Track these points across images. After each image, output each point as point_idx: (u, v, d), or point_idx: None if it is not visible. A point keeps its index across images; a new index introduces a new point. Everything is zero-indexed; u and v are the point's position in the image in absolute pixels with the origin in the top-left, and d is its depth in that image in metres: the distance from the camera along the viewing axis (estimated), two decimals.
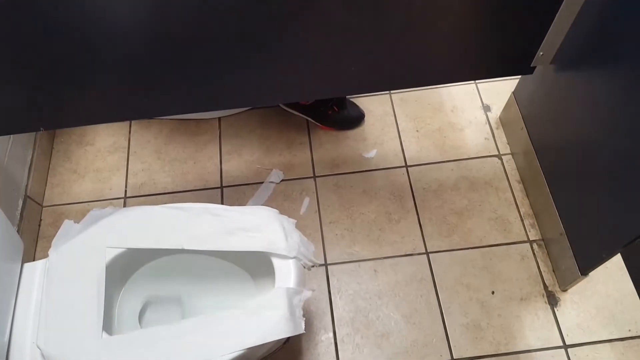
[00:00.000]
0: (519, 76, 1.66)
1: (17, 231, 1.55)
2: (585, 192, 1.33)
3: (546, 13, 1.25)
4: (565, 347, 1.44)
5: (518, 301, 1.51)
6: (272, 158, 1.80)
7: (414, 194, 1.71)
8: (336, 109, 1.79)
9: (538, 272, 1.55)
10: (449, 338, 1.47)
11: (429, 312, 1.51)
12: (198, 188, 1.75)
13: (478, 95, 1.90)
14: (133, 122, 1.90)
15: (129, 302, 1.21)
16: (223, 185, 1.75)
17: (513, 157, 1.75)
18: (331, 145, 1.82)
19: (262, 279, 1.19)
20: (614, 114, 1.17)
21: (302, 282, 1.09)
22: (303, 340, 1.48)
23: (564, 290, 1.52)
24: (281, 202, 1.71)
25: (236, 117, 1.89)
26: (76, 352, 1.00)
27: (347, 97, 1.85)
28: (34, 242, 1.65)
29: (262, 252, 1.08)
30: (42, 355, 1.00)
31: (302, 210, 1.69)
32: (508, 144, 1.78)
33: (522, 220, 1.64)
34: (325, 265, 1.59)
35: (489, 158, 1.77)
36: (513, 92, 1.70)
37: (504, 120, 1.81)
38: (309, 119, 1.84)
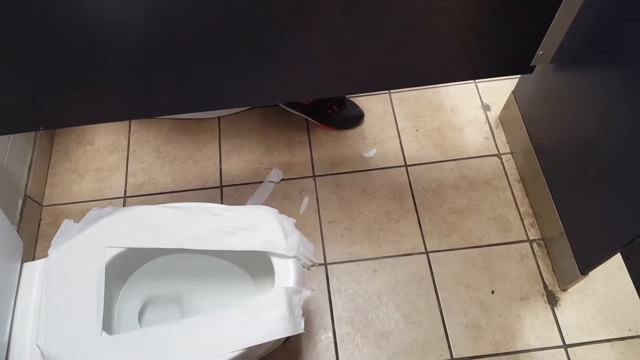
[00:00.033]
0: (519, 75, 1.66)
1: (17, 230, 1.55)
2: (585, 191, 1.33)
3: (546, 12, 1.25)
4: (565, 346, 1.44)
5: (518, 301, 1.51)
6: (271, 157, 1.80)
7: (414, 194, 1.71)
8: (335, 109, 1.79)
9: (538, 271, 1.55)
10: (449, 337, 1.47)
11: (429, 311, 1.51)
12: (197, 187, 1.75)
13: (477, 95, 1.90)
14: (132, 121, 1.90)
15: (128, 301, 1.20)
16: (222, 184, 1.75)
17: (513, 157, 1.75)
18: (331, 145, 1.82)
19: (261, 279, 1.19)
20: (614, 113, 1.17)
21: (301, 281, 1.09)
22: (303, 340, 1.48)
23: (564, 290, 1.52)
24: (281, 201, 1.71)
25: (236, 116, 1.89)
26: (76, 352, 1.00)
27: (346, 96, 1.85)
28: (33, 241, 1.65)
29: (261, 252, 1.08)
30: (42, 354, 1.00)
31: (302, 209, 1.69)
32: (507, 143, 1.78)
33: (521, 220, 1.64)
34: (325, 264, 1.59)
35: (488, 157, 1.77)
36: (512, 92, 1.70)
37: (503, 120, 1.81)
38: (309, 118, 1.84)
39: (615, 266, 1.52)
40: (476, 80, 1.94)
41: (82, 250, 1.11)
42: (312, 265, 1.15)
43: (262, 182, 1.75)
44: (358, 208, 1.68)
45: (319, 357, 1.45)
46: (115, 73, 1.21)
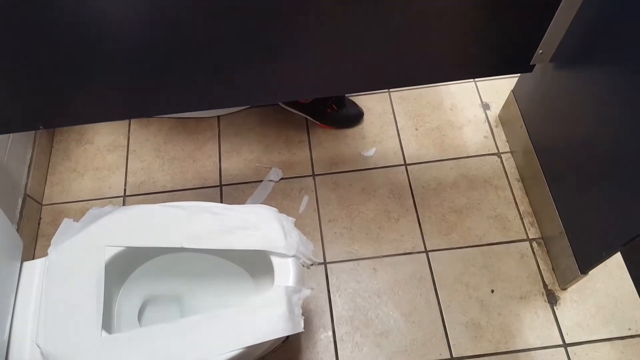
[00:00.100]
0: (518, 74, 1.66)
1: (17, 230, 1.55)
2: (585, 190, 1.33)
3: (545, 11, 1.25)
4: (565, 345, 1.44)
5: (518, 300, 1.51)
6: (271, 156, 1.80)
7: (413, 193, 1.71)
8: (335, 108, 1.79)
9: (538, 270, 1.55)
10: (449, 337, 1.47)
11: (429, 310, 1.51)
12: (197, 186, 1.75)
13: (477, 94, 1.90)
14: (132, 120, 1.90)
15: (128, 300, 1.20)
16: (222, 183, 1.75)
17: (512, 156, 1.75)
18: (330, 144, 1.82)
19: (261, 278, 1.19)
20: (614, 112, 1.17)
21: (301, 280, 1.09)
22: (302, 339, 1.48)
23: (564, 289, 1.52)
24: (280, 200, 1.71)
25: (235, 115, 1.89)
26: (75, 351, 1.00)
27: (346, 95, 1.85)
28: (33, 240, 1.65)
29: (261, 251, 1.08)
30: (42, 353, 1.00)
31: (301, 208, 1.69)
32: (507, 142, 1.78)
33: (521, 219, 1.64)
34: (325, 263, 1.59)
35: (488, 156, 1.77)
36: (512, 90, 1.70)
37: (503, 119, 1.81)
38: (308, 117, 1.84)
39: (615, 265, 1.52)
40: (476, 79, 1.94)
41: (82, 249, 1.10)
42: (312, 264, 1.15)
43: (261, 181, 1.75)
44: (357, 207, 1.68)
45: (318, 356, 1.45)
46: (114, 72, 1.21)
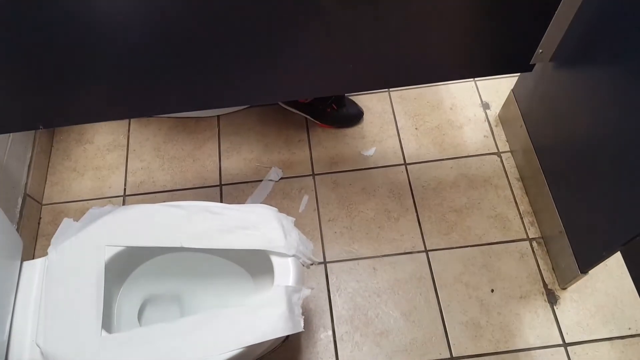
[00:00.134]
0: (518, 74, 1.66)
1: (17, 229, 1.55)
2: (585, 189, 1.33)
3: (545, 10, 1.25)
4: (565, 345, 1.44)
5: (517, 299, 1.51)
6: (271, 156, 1.80)
7: (413, 192, 1.71)
8: (335, 107, 1.79)
9: (537, 270, 1.55)
10: (448, 336, 1.47)
11: (428, 310, 1.51)
12: (197, 186, 1.75)
13: (477, 93, 1.90)
14: (132, 120, 1.90)
15: (128, 300, 1.21)
16: (222, 183, 1.75)
17: (512, 155, 1.75)
18: (330, 143, 1.82)
19: (261, 277, 1.19)
20: (614, 112, 1.17)
21: (301, 280, 1.09)
22: (302, 339, 1.48)
23: (564, 289, 1.52)
24: (280, 200, 1.71)
25: (235, 115, 1.89)
26: (75, 350, 1.00)
27: (346, 94, 1.85)
28: (33, 240, 1.65)
29: (261, 250, 1.08)
30: (42, 353, 1.00)
31: (301, 208, 1.69)
32: (507, 141, 1.78)
33: (521, 218, 1.64)
34: (325, 263, 1.59)
35: (488, 156, 1.77)
36: (512, 90, 1.70)
37: (503, 118, 1.81)
38: (308, 116, 1.84)
39: (615, 265, 1.52)
40: (476, 79, 1.94)
41: (82, 248, 1.10)
42: (312, 264, 1.15)
43: (261, 180, 1.75)
44: (357, 206, 1.68)
45: (318, 355, 1.45)
46: (114, 71, 1.21)
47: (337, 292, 1.54)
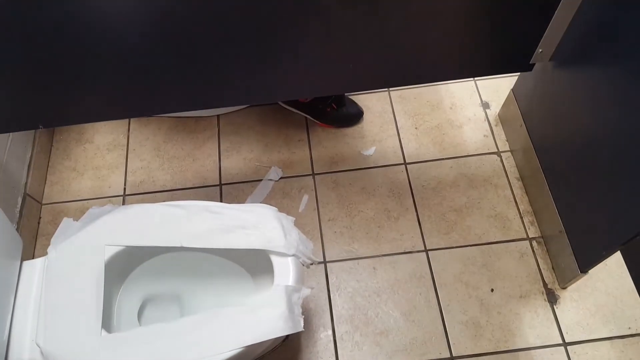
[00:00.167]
0: (518, 73, 1.66)
1: (17, 229, 1.55)
2: (584, 189, 1.33)
3: (545, 10, 1.25)
4: (565, 344, 1.44)
5: (517, 299, 1.51)
6: (270, 155, 1.79)
7: (413, 192, 1.71)
8: (335, 107, 1.79)
9: (537, 269, 1.55)
10: (448, 336, 1.47)
11: (428, 309, 1.51)
12: (197, 186, 1.75)
13: (477, 93, 1.90)
14: (132, 119, 1.90)
15: (128, 299, 1.21)
16: (222, 182, 1.75)
17: (512, 155, 1.75)
18: (330, 143, 1.82)
19: (261, 277, 1.19)
20: (614, 111, 1.17)
21: (301, 279, 1.09)
22: (302, 338, 1.48)
23: (564, 288, 1.52)
24: (280, 199, 1.71)
25: (235, 114, 1.89)
26: (75, 350, 1.00)
27: (345, 94, 1.85)
28: (33, 239, 1.65)
29: (260, 250, 1.08)
30: (41, 353, 1.00)
31: (301, 207, 1.69)
32: (507, 141, 1.78)
33: (521, 218, 1.64)
34: (324, 262, 1.59)
35: (488, 155, 1.77)
36: (512, 89, 1.70)
37: (502, 118, 1.81)
38: (308, 116, 1.84)
39: (615, 264, 1.52)
40: (475, 78, 1.94)
41: (82, 248, 1.10)
42: (312, 264, 1.15)
43: (261, 180, 1.75)
44: (357, 206, 1.68)
45: (318, 355, 1.45)
46: (114, 71, 1.21)
47: (337, 292, 1.54)
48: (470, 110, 1.86)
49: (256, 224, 1.11)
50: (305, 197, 1.71)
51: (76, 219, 1.17)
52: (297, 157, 1.79)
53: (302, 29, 1.19)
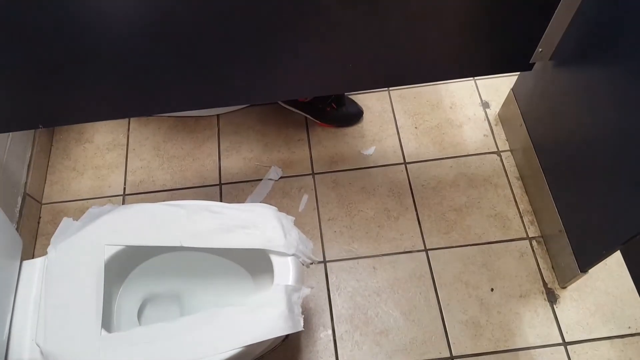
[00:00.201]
0: (518, 73, 1.65)
1: (16, 229, 1.55)
2: (584, 188, 1.33)
3: (545, 9, 1.24)
4: (565, 344, 1.44)
5: (517, 298, 1.51)
6: (270, 155, 1.79)
7: (413, 191, 1.71)
8: (335, 106, 1.79)
9: (537, 269, 1.55)
10: (448, 335, 1.47)
11: (428, 309, 1.51)
12: (197, 185, 1.75)
13: (477, 92, 1.90)
14: (132, 119, 1.90)
15: (127, 299, 1.21)
16: (222, 182, 1.75)
17: (512, 154, 1.75)
18: (330, 142, 1.82)
19: (260, 277, 1.19)
20: (614, 110, 1.17)
21: (300, 279, 1.09)
22: (302, 338, 1.48)
23: (564, 288, 1.52)
24: (280, 199, 1.71)
25: (235, 114, 1.89)
26: (75, 350, 1.00)
27: (345, 94, 1.85)
28: (33, 239, 1.65)
29: (260, 250, 1.08)
30: (41, 352, 1.00)
31: (301, 207, 1.69)
32: (507, 140, 1.78)
33: (521, 217, 1.64)
34: (324, 262, 1.59)
35: (487, 155, 1.76)
36: (512, 89, 1.70)
37: (502, 117, 1.81)
38: (308, 116, 1.84)
39: (615, 263, 1.52)
40: (475, 78, 1.94)
41: (82, 248, 1.10)
42: (312, 263, 1.15)
43: (261, 179, 1.75)
44: (357, 206, 1.68)
45: (318, 354, 1.45)
46: (114, 71, 1.21)
47: (337, 291, 1.54)
48: (470, 110, 1.86)
49: (256, 223, 1.11)
50: (305, 197, 1.71)
51: (76, 218, 1.17)
52: (297, 157, 1.79)
53: (302, 28, 1.19)
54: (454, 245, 1.60)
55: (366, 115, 1.86)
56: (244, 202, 1.67)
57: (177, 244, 1.09)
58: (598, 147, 1.24)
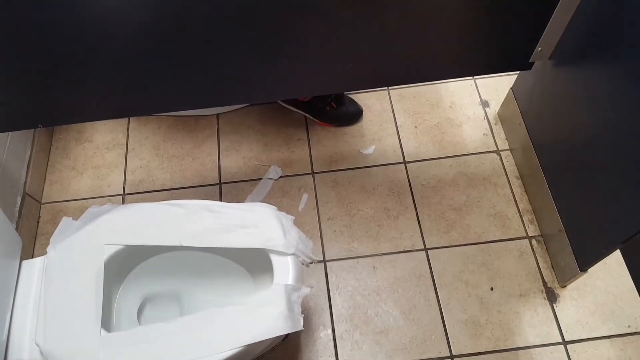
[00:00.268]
0: (518, 72, 1.65)
1: (16, 228, 1.55)
2: (584, 187, 1.33)
3: (544, 8, 1.24)
4: (565, 343, 1.44)
5: (517, 297, 1.51)
6: (270, 154, 1.79)
7: (413, 190, 1.71)
8: (334, 105, 1.79)
9: (537, 268, 1.55)
10: (448, 334, 1.47)
11: (428, 308, 1.51)
12: (196, 185, 1.75)
13: (476, 91, 1.90)
14: (131, 119, 1.90)
15: (127, 299, 1.20)
16: (221, 181, 1.75)
17: (512, 153, 1.75)
18: (329, 142, 1.82)
19: (260, 276, 1.19)
20: (613, 109, 1.17)
21: (300, 278, 1.09)
22: (302, 337, 1.48)
23: (563, 287, 1.52)
24: (279, 198, 1.71)
25: (234, 113, 1.89)
26: (75, 350, 1.00)
27: (345, 93, 1.85)
28: (32, 239, 1.65)
29: (260, 249, 1.08)
30: (41, 352, 1.00)
31: (301, 206, 1.69)
32: (506, 139, 1.78)
33: (520, 216, 1.64)
34: (324, 261, 1.59)
35: (487, 154, 1.76)
36: (511, 88, 1.70)
37: (502, 116, 1.81)
38: (307, 115, 1.84)
39: (614, 263, 1.52)
40: (475, 77, 1.94)
41: (81, 247, 1.10)
42: (311, 263, 1.15)
43: (260, 179, 1.75)
44: (357, 205, 1.68)
45: (318, 354, 1.45)
46: (114, 70, 1.21)
47: (337, 291, 1.54)
48: (470, 109, 1.86)
49: (256, 222, 1.11)
50: (305, 196, 1.70)
51: (75, 218, 1.16)
52: (297, 156, 1.79)
53: (301, 28, 1.19)
54: (454, 244, 1.60)
55: (366, 115, 1.86)
56: (243, 202, 1.67)
57: (177, 244, 1.09)
58: (598, 146, 1.24)
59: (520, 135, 1.65)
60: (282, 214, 1.15)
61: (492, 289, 1.53)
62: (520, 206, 1.66)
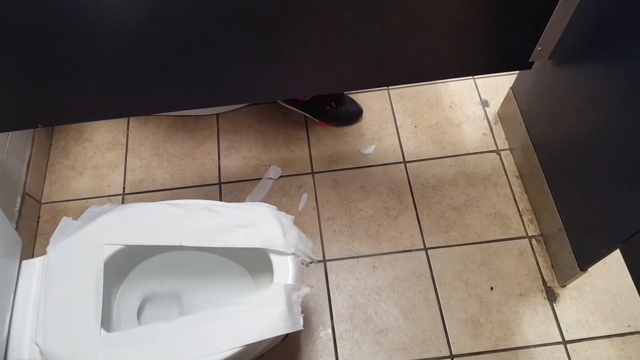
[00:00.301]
0: (517, 71, 1.65)
1: (16, 228, 1.55)
2: (584, 187, 1.33)
3: (544, 7, 1.24)
4: (565, 342, 1.44)
5: (517, 297, 1.51)
6: (270, 154, 1.79)
7: (412, 190, 1.71)
8: (334, 105, 1.79)
9: (537, 267, 1.55)
10: (448, 334, 1.47)
11: (428, 308, 1.51)
12: (196, 184, 1.75)
13: (476, 91, 1.90)
14: (131, 118, 1.90)
15: (127, 299, 1.20)
16: (221, 181, 1.75)
17: (511, 153, 1.75)
18: (329, 141, 1.82)
19: (260, 276, 1.19)
20: (613, 109, 1.17)
21: (300, 278, 1.08)
22: (302, 337, 1.48)
23: (563, 286, 1.52)
24: (279, 198, 1.71)
25: (234, 113, 1.89)
26: (74, 349, 1.00)
27: (345, 92, 1.85)
28: (32, 239, 1.65)
29: (260, 249, 1.08)
30: (41, 352, 1.00)
31: (301, 206, 1.69)
32: (506, 139, 1.78)
33: (520, 216, 1.64)
34: (324, 261, 1.59)
35: (487, 154, 1.76)
36: (511, 88, 1.70)
37: (502, 116, 1.81)
38: (307, 115, 1.84)
39: (614, 262, 1.52)
40: (475, 76, 1.94)
41: (81, 247, 1.10)
42: (311, 262, 1.15)
43: (260, 179, 1.74)
44: (357, 204, 1.68)
45: (318, 354, 1.45)
46: (113, 70, 1.21)
47: (337, 290, 1.54)
48: (470, 109, 1.86)
49: (255, 222, 1.11)
50: (305, 196, 1.70)
51: (75, 218, 1.16)
52: (297, 156, 1.79)
53: (302, 28, 1.19)
54: (454, 244, 1.60)
55: (366, 114, 1.86)
56: (243, 201, 1.67)
57: (177, 244, 1.09)
58: (598, 145, 1.24)
59: (520, 134, 1.65)
60: (282, 213, 1.15)
61: (492, 288, 1.53)
62: (520, 206, 1.66)
